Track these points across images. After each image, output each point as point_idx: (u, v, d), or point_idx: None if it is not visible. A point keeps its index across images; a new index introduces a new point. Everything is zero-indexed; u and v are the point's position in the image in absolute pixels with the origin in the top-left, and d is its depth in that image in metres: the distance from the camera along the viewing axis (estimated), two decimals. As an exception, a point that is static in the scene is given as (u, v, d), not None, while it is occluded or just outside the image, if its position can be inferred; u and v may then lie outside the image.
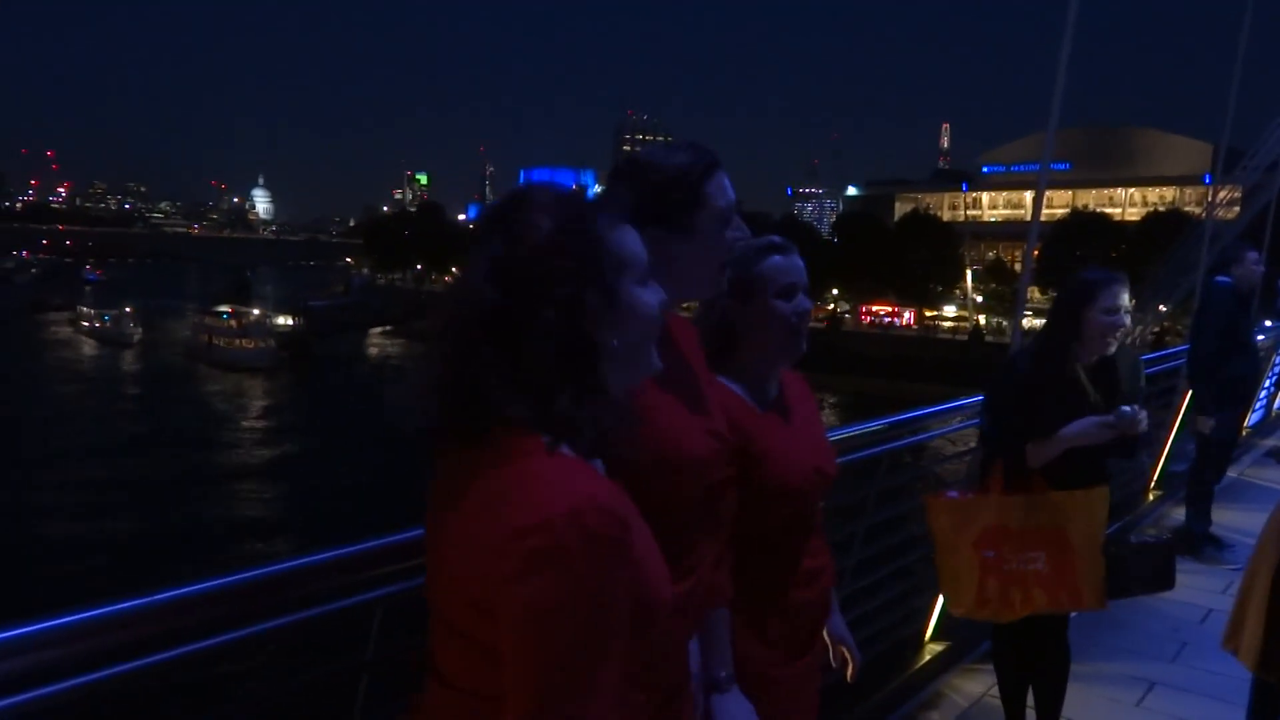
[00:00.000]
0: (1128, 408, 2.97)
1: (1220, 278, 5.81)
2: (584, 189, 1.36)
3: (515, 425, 1.12)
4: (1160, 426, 6.97)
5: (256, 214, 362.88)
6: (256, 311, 69.32)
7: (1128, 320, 3.07)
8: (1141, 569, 3.24)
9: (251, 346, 62.19)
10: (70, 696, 1.34)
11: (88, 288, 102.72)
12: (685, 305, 1.73)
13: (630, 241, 1.24)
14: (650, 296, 1.24)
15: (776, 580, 1.87)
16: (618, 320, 1.19)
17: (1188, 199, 65.47)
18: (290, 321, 72.18)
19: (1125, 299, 3.03)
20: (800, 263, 1.92)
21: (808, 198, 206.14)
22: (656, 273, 1.28)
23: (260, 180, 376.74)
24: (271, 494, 33.16)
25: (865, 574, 3.60)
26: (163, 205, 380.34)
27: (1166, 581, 3.34)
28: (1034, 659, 3.28)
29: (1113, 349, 3.06)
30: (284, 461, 37.69)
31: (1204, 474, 6.02)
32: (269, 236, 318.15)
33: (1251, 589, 3.09)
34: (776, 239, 1.94)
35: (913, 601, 4.06)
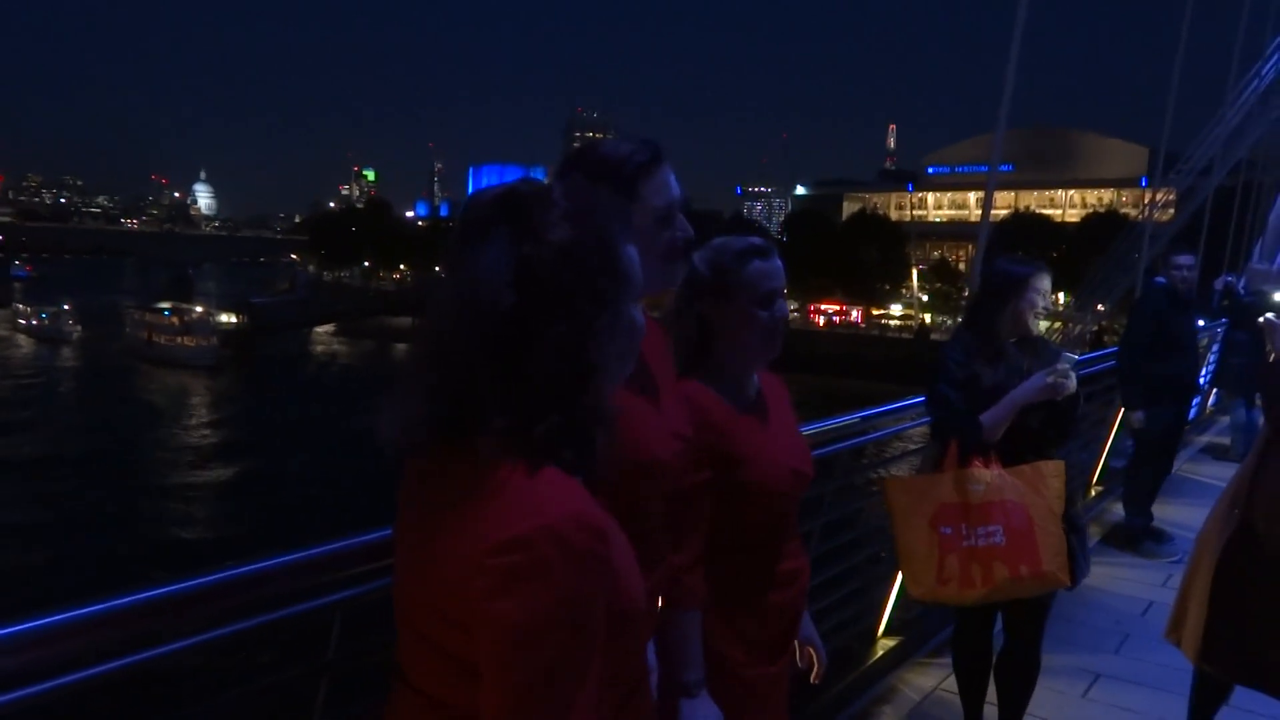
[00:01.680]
0: (1066, 354, 3.09)
1: (1156, 278, 6.01)
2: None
3: (500, 437, 1.08)
4: (1100, 423, 7.14)
5: (199, 209, 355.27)
6: (199, 309, 67.81)
7: (1044, 302, 3.16)
8: None
9: (193, 344, 60.91)
10: (22, 705, 1.30)
11: (17, 284, 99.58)
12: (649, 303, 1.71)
13: (637, 260, 1.19)
14: (641, 316, 1.21)
15: (755, 582, 1.87)
16: (614, 337, 1.14)
17: (1125, 201, 67.14)
18: (234, 319, 70.78)
19: (1046, 286, 3.14)
20: (780, 265, 1.91)
21: (757, 196, 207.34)
22: None
23: (202, 175, 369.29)
24: (216, 500, 32.43)
25: (820, 571, 3.63)
26: (100, 199, 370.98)
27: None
28: (1000, 657, 3.32)
29: (1034, 330, 3.17)
30: (227, 458, 36.97)
31: (1140, 470, 6.19)
32: (212, 232, 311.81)
33: (1193, 582, 3.17)
34: (757, 241, 1.92)
35: (866, 597, 4.12)
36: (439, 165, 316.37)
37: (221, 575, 1.54)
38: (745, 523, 1.82)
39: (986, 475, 3.02)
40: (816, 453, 3.26)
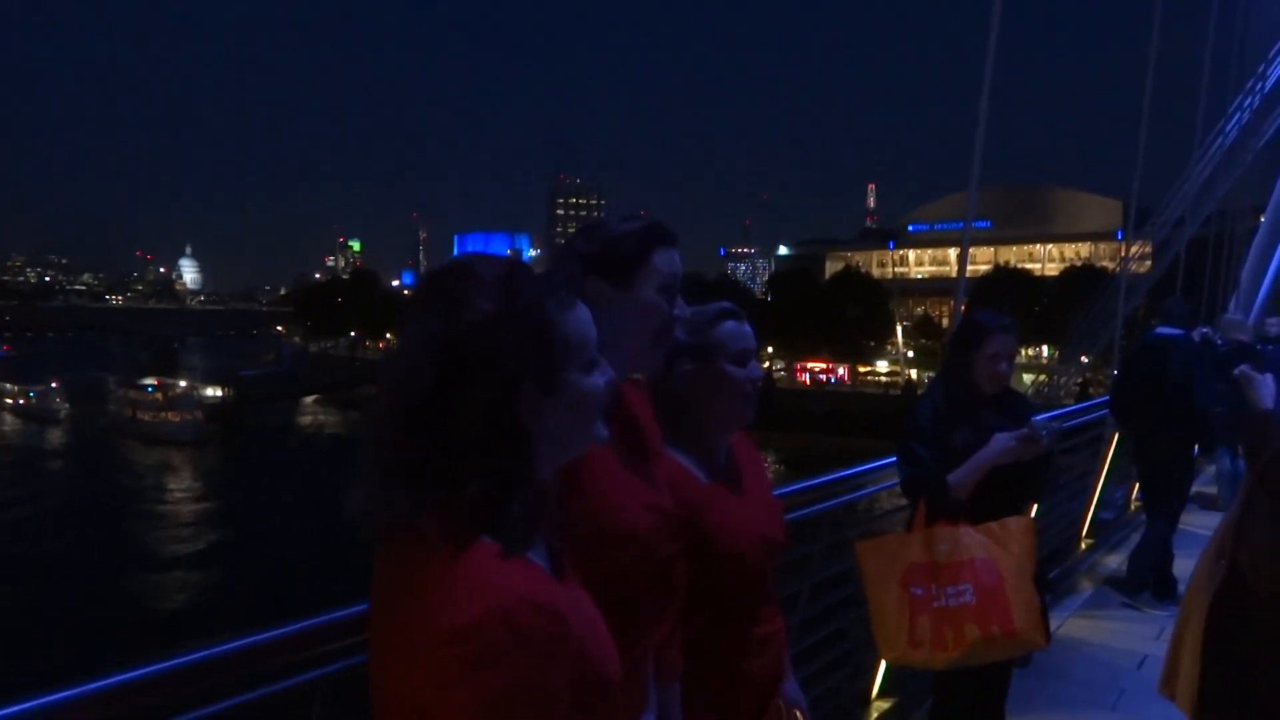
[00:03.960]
0: (1037, 419, 3.09)
1: (1174, 330, 6.02)
2: (518, 253, 1.34)
3: (441, 517, 1.08)
4: (1087, 475, 7.15)
5: (184, 284, 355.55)
6: (183, 383, 67.59)
7: (1007, 367, 3.18)
8: None
9: (178, 419, 60.49)
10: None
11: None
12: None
13: (580, 324, 1.19)
14: (596, 379, 1.20)
15: (729, 650, 1.85)
16: (556, 406, 1.14)
17: (1102, 254, 68.06)
18: (219, 392, 70.47)
19: (1011, 345, 3.16)
20: (750, 330, 1.94)
21: (740, 257, 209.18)
22: (598, 329, 1.27)
23: (188, 250, 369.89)
24: (199, 573, 31.90)
25: (811, 632, 3.59)
26: (85, 277, 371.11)
27: None
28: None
29: (1003, 383, 3.18)
30: (210, 532, 36.44)
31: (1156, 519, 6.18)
32: (197, 306, 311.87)
33: (1184, 635, 3.16)
34: (728, 305, 1.96)
35: (858, 658, 4.07)
36: (424, 234, 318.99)
37: (199, 655, 1.52)
38: (717, 591, 1.81)
39: (954, 534, 3.00)
40: (800, 513, 3.25)
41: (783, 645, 2.00)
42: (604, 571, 1.31)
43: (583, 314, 1.20)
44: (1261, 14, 12.10)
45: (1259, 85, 12.54)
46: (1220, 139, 13.05)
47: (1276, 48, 14.02)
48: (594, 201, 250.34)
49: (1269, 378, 3.02)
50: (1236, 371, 3.06)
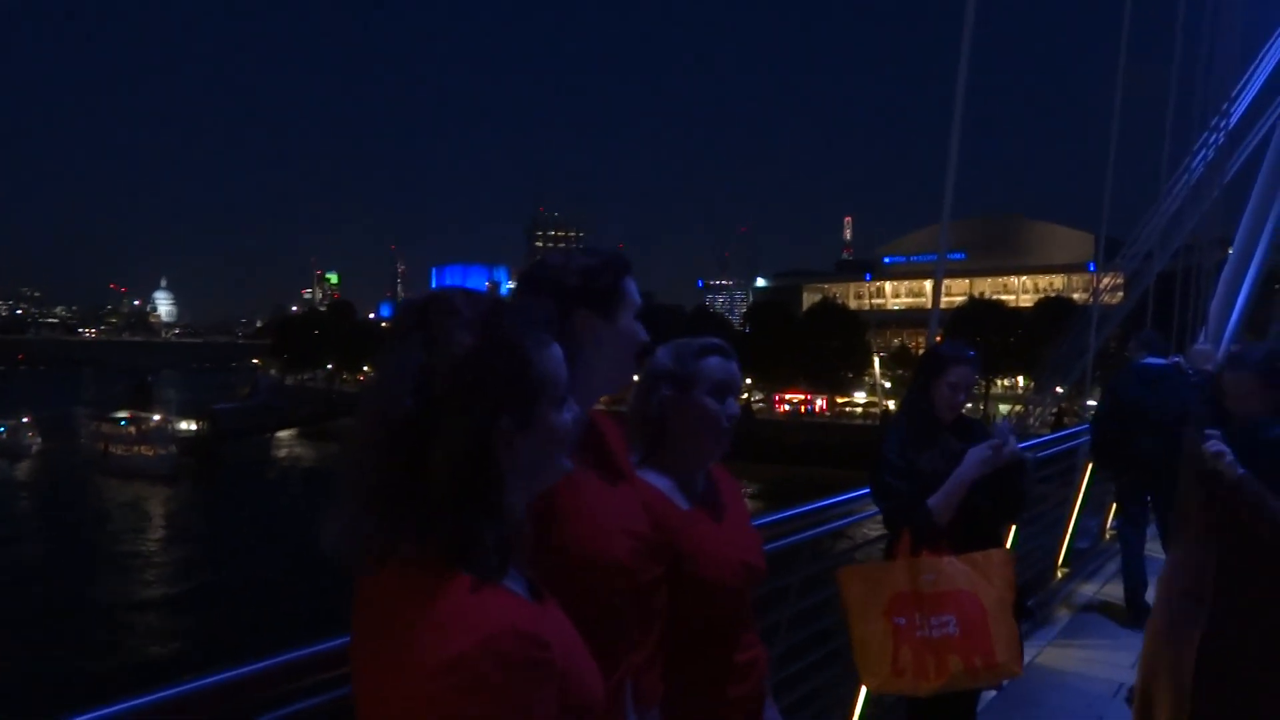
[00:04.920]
0: (1000, 424, 3.16)
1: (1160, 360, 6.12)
2: (497, 286, 1.37)
3: (420, 549, 1.09)
4: (1062, 504, 7.22)
5: (158, 317, 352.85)
6: (157, 417, 66.69)
7: (964, 397, 3.25)
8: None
9: (151, 454, 59.65)
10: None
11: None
12: (611, 400, 1.77)
13: (552, 362, 1.21)
14: (565, 416, 1.22)
15: (711, 677, 1.87)
16: (528, 441, 1.16)
17: (1075, 285, 68.91)
18: (194, 426, 69.72)
19: (970, 377, 3.23)
20: (736, 368, 1.99)
21: (718, 289, 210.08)
22: (581, 357, 1.29)
23: (163, 283, 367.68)
24: (172, 613, 31.32)
25: (792, 662, 3.61)
26: (58, 309, 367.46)
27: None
28: None
29: (959, 410, 3.25)
30: (182, 570, 35.88)
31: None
32: (172, 339, 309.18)
33: (1157, 668, 3.20)
34: (717, 342, 2.01)
35: (839, 689, 4.07)
36: (402, 266, 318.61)
37: (178, 690, 1.53)
38: (699, 617, 1.84)
39: (939, 564, 3.04)
40: (779, 543, 3.28)
41: (764, 672, 2.02)
42: (585, 597, 1.33)
43: (556, 352, 1.22)
44: (1223, 55, 12.45)
45: (1222, 123, 12.85)
46: (1186, 175, 13.34)
47: (1238, 86, 14.39)
48: (574, 234, 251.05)
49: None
50: (1207, 445, 3.06)
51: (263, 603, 28.94)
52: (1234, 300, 13.45)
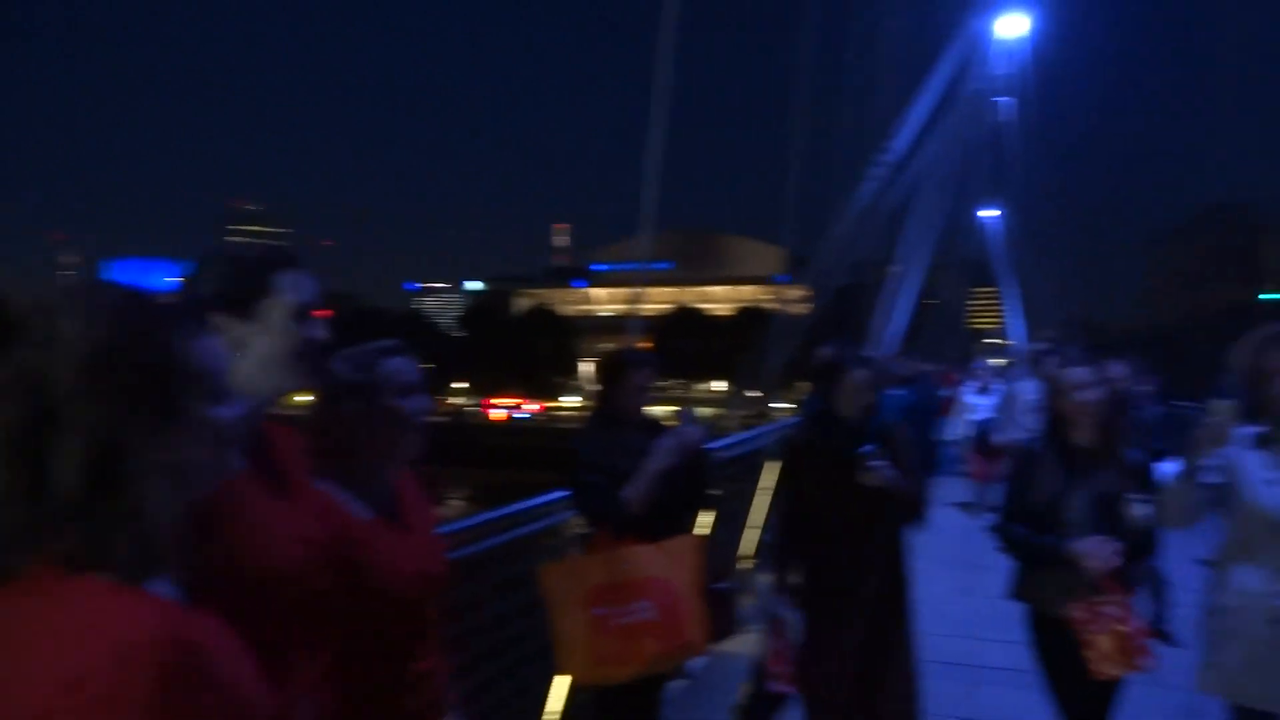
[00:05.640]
0: (683, 413, 3.47)
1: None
2: (149, 288, 1.29)
3: (40, 559, 1.01)
4: (746, 498, 7.76)
5: None
6: None
7: (647, 396, 3.49)
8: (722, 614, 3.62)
9: None
10: None
11: None
12: (288, 402, 1.70)
13: (206, 353, 1.15)
14: (223, 411, 1.16)
15: (387, 687, 1.85)
16: (178, 438, 1.10)
17: (769, 296, 74.67)
18: None
19: (651, 378, 3.46)
20: (414, 364, 1.99)
21: (428, 293, 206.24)
22: (229, 364, 1.22)
23: None
24: None
25: (485, 667, 3.62)
26: None
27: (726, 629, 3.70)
28: None
29: (643, 408, 3.47)
30: None
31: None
32: None
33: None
34: (390, 342, 2.00)
35: (534, 690, 4.13)
36: (71, 258, 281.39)
37: None
38: (375, 627, 1.82)
39: (635, 553, 3.20)
40: (473, 548, 3.30)
41: (443, 682, 2.01)
42: (252, 606, 1.28)
43: (209, 344, 1.17)
44: (883, 95, 14.11)
45: (885, 157, 14.54)
46: (856, 202, 14.96)
47: (896, 123, 16.32)
48: (278, 230, 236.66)
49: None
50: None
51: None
52: (892, 313, 15.22)
